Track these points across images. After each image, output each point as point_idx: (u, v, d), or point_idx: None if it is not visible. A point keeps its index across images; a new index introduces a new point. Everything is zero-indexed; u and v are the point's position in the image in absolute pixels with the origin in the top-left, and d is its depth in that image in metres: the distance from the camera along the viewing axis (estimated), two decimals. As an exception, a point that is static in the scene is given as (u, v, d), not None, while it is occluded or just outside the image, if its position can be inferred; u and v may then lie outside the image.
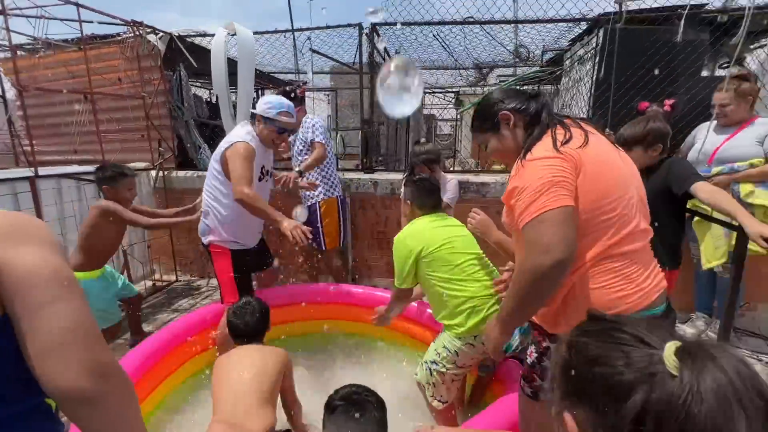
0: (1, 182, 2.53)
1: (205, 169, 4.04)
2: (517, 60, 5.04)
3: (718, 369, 0.46)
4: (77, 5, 2.87)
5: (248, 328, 1.76)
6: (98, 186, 2.50)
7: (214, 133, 4.36)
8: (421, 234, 1.84)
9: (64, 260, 0.65)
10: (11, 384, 0.61)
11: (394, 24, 3.46)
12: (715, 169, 2.56)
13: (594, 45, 3.35)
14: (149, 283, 3.90)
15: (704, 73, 3.34)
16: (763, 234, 1.34)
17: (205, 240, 2.31)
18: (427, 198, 1.97)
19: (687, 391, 0.45)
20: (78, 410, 0.60)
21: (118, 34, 3.78)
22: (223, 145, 2.21)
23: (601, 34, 3.23)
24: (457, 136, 10.00)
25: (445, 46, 3.97)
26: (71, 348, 0.59)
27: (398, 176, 3.42)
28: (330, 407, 1.18)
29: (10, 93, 3.37)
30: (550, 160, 1.01)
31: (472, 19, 3.33)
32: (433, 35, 3.60)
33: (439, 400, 1.75)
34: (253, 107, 2.42)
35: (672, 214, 1.87)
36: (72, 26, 3.00)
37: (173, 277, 4.06)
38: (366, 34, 3.61)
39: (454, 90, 7.57)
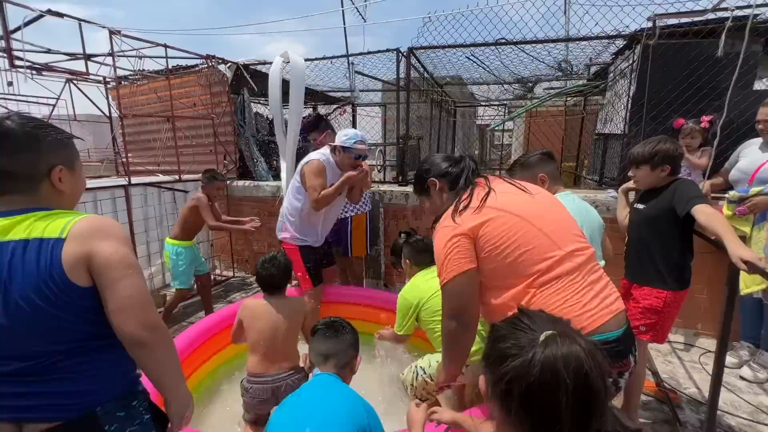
0: (105, 189, 3.19)
1: (261, 180, 4.65)
2: (560, 75, 5.00)
3: (564, 352, 0.65)
4: (165, 46, 3.52)
5: (273, 280, 2.03)
6: (201, 183, 3.21)
7: (269, 148, 4.91)
8: (417, 288, 2.05)
9: (131, 250, 0.98)
10: (99, 326, 0.94)
11: (429, 47, 3.70)
12: (753, 189, 2.43)
13: (631, 61, 3.30)
14: (211, 277, 4.50)
15: (757, 86, 3.13)
16: (742, 257, 1.35)
17: (279, 236, 2.82)
18: (420, 256, 2.20)
19: (534, 363, 0.65)
20: (135, 351, 0.94)
21: (197, 65, 4.48)
22: (302, 162, 2.70)
23: (638, 50, 3.18)
24: (512, 146, 9.94)
25: (480, 64, 4.12)
26: (131, 309, 0.90)
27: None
28: (312, 331, 1.52)
29: (114, 116, 4.19)
30: (447, 230, 1.21)
31: (504, 40, 3.46)
32: (466, 57, 3.78)
33: (420, 399, 1.92)
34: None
35: (678, 234, 1.87)
36: (160, 62, 3.67)
37: (231, 273, 4.64)
38: (404, 56, 3.91)
39: (502, 103, 7.59)
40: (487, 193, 1.24)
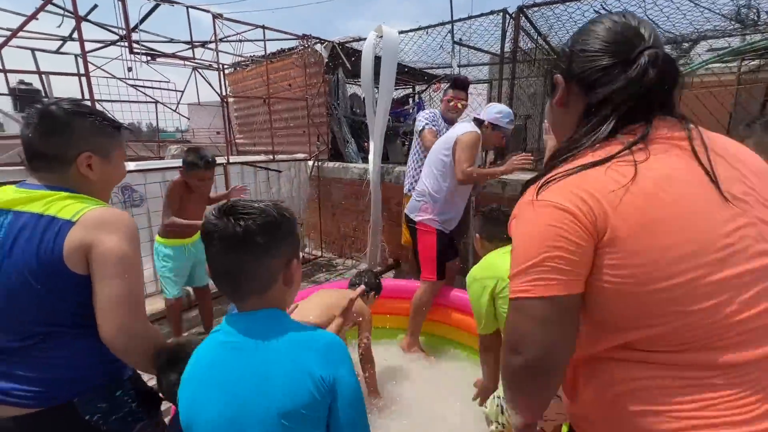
0: (206, 167, 3.44)
1: (351, 162, 4.58)
2: (740, 27, 3.70)
3: None
4: (263, 27, 3.59)
5: None
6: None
7: (360, 130, 4.80)
8: (492, 266, 1.59)
9: (135, 249, 0.94)
10: (84, 315, 0.90)
11: (545, 3, 3.03)
12: None
13: None
14: (300, 255, 4.66)
15: None
16: None
17: (416, 217, 2.57)
18: (496, 229, 1.71)
19: None
20: (111, 350, 0.90)
21: (296, 47, 4.56)
22: (455, 133, 2.42)
23: None
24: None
25: (615, 21, 3.22)
26: (112, 310, 0.87)
27: (523, 175, 3.01)
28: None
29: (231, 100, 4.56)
30: (557, 213, 0.63)
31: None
32: (595, 10, 2.97)
33: None
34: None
35: None
36: (260, 45, 3.78)
37: (319, 253, 4.74)
38: (511, 17, 3.29)
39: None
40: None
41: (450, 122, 3.03)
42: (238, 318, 0.78)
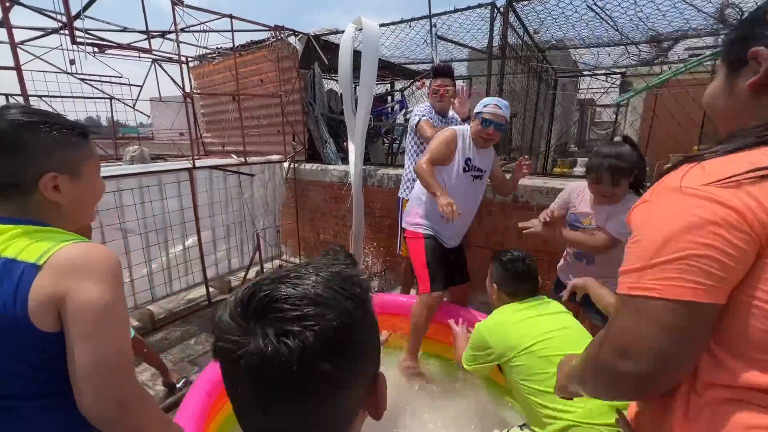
0: (169, 172, 3.08)
1: (330, 163, 4.31)
2: (721, 27, 3.69)
3: None
4: (230, 17, 3.25)
5: None
6: None
7: (339, 129, 4.52)
8: (505, 332, 1.44)
9: (119, 295, 0.74)
10: (50, 382, 0.72)
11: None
12: None
13: None
14: (277, 263, 4.36)
15: None
16: None
17: (403, 224, 2.43)
18: (515, 285, 1.57)
19: None
20: (97, 425, 0.71)
21: (267, 39, 4.21)
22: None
23: None
24: (622, 126, 8.24)
25: (605, 19, 3.12)
26: (92, 380, 0.68)
27: (527, 181, 2.86)
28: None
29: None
30: (700, 201, 0.52)
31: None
32: (588, 5, 2.85)
33: None
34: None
35: None
36: (227, 36, 3.42)
37: (297, 261, 4.45)
38: (500, 12, 3.12)
39: (619, 70, 6.17)
40: None
41: (443, 114, 2.83)
42: None
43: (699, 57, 2.96)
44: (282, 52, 3.97)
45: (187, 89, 3.45)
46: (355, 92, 3.87)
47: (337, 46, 4.23)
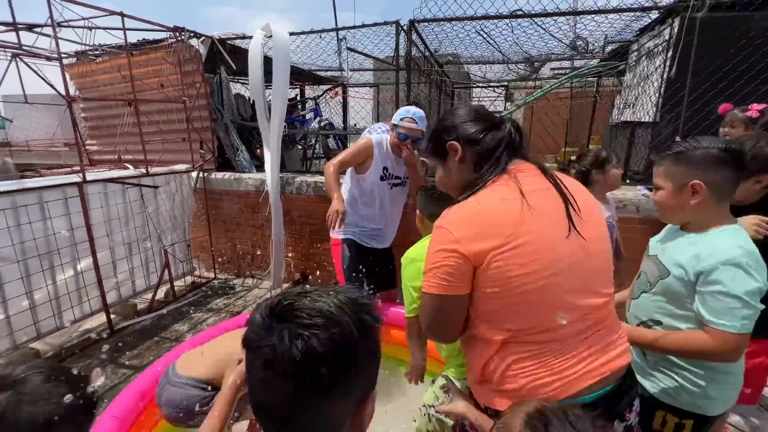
0: (53, 188, 2.68)
1: (243, 171, 4.16)
2: (575, 53, 4.56)
3: None
4: (122, 15, 2.96)
5: None
6: None
7: (251, 136, 4.39)
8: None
9: None
10: None
11: (435, 20, 3.21)
12: None
13: (666, 37, 2.88)
14: (189, 280, 4.06)
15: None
16: None
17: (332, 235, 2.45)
18: (435, 206, 1.62)
19: None
20: None
21: (165, 39, 3.89)
22: None
23: (676, 23, 2.76)
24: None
25: (491, 42, 3.64)
26: None
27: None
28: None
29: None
30: (443, 234, 0.90)
31: (521, 12, 3.00)
32: (476, 31, 3.31)
33: None
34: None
35: None
36: (118, 35, 3.11)
37: (212, 275, 4.20)
38: (404, 30, 3.41)
39: (503, 84, 7.10)
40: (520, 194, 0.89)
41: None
42: None
43: (560, 79, 3.65)
44: (184, 54, 3.72)
45: (66, 90, 3.02)
46: (268, 98, 3.82)
47: (243, 50, 4.11)
